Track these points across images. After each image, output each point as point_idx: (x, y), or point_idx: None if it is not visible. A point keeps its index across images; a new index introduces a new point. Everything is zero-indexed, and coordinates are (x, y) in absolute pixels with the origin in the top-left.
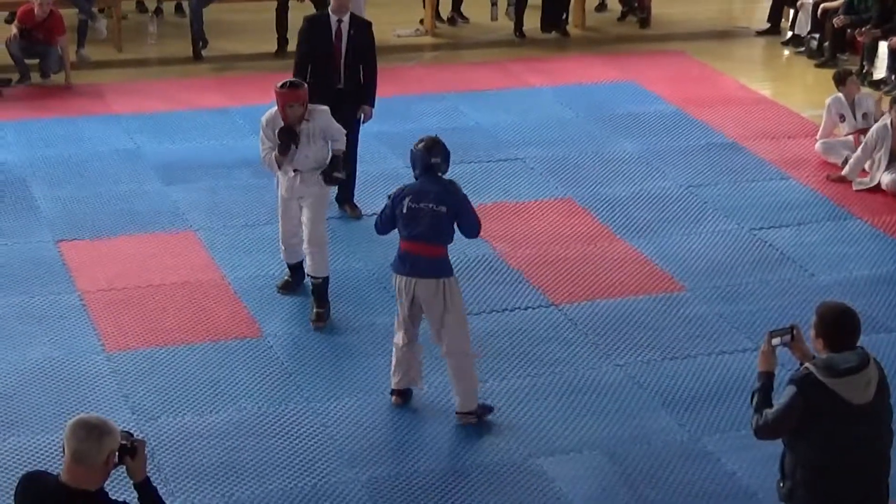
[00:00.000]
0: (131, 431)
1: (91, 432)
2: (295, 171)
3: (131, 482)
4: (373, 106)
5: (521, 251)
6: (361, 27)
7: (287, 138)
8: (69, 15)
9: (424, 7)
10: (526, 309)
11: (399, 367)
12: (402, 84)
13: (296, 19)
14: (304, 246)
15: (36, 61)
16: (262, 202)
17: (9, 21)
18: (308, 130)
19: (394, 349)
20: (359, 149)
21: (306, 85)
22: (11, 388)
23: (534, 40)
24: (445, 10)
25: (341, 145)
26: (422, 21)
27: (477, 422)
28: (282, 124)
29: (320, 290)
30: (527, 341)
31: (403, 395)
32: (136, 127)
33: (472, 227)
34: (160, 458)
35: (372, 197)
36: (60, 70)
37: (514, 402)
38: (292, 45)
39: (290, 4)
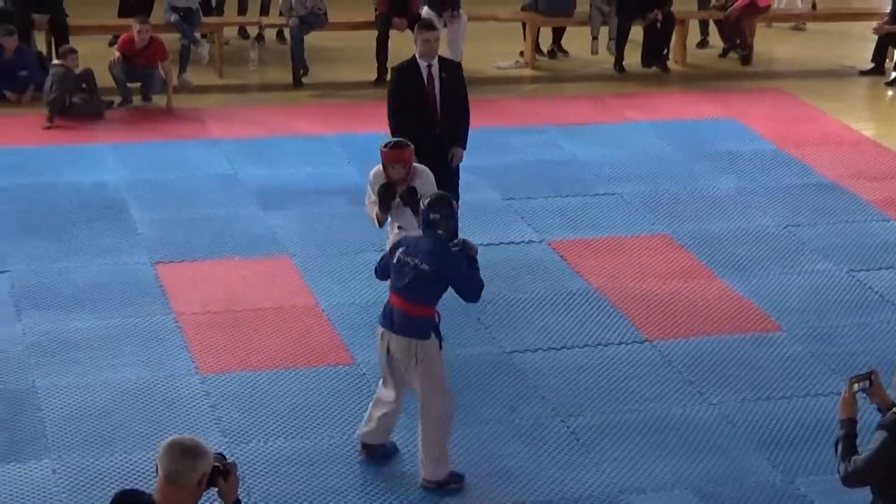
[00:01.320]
0: (223, 453)
1: (185, 453)
2: (399, 227)
3: None
4: (464, 148)
5: (616, 286)
6: (452, 69)
7: (386, 197)
8: (172, 39)
9: (525, 39)
10: (619, 344)
11: (371, 420)
12: (499, 116)
13: (395, 48)
14: None
15: (138, 84)
16: (357, 230)
17: (112, 44)
18: None
19: (373, 399)
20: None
21: (412, 147)
22: (106, 407)
23: (634, 75)
24: (546, 42)
25: None
26: (522, 53)
27: (440, 490)
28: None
29: None
30: (619, 376)
31: (370, 450)
32: (235, 152)
33: (468, 292)
34: (250, 482)
35: (462, 228)
36: (162, 93)
37: (606, 438)
38: None
39: (390, 33)
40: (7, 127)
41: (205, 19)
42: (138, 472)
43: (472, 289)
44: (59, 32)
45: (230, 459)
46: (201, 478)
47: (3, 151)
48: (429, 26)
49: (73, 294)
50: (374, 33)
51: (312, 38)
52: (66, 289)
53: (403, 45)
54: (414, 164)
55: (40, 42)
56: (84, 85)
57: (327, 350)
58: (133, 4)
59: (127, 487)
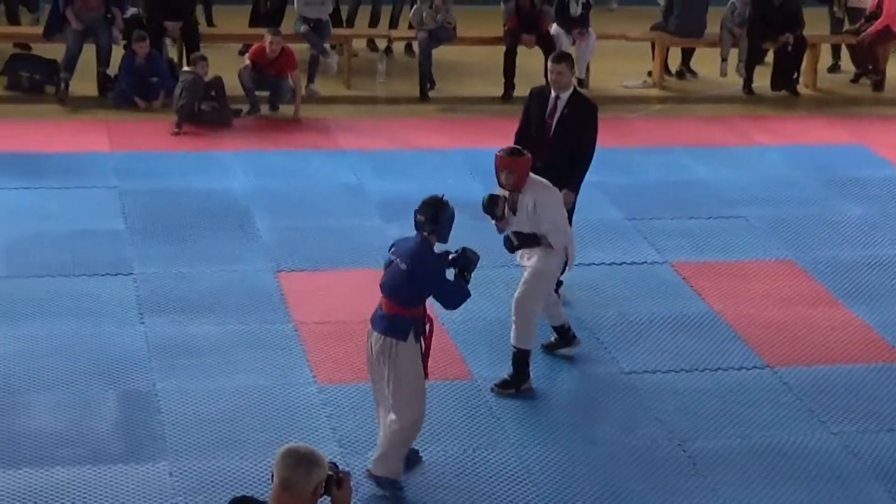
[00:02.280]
0: (336, 463)
1: (300, 461)
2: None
3: None
4: (575, 192)
5: (738, 311)
6: (581, 108)
7: (490, 204)
8: (301, 50)
9: (653, 59)
10: (739, 369)
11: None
12: (625, 136)
13: (523, 64)
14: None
15: (266, 93)
16: (478, 245)
17: (242, 52)
18: (522, 201)
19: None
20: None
21: (526, 156)
22: (224, 413)
23: (763, 98)
24: (675, 63)
25: (548, 240)
26: (650, 73)
27: (384, 489)
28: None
29: (515, 360)
30: (738, 402)
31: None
32: (360, 163)
33: (443, 300)
34: (363, 492)
35: (584, 247)
36: (290, 103)
37: (721, 463)
38: (519, 90)
39: (518, 50)
40: (136, 132)
41: (335, 31)
42: (254, 478)
43: (447, 296)
44: (191, 40)
45: (343, 468)
46: (316, 486)
47: (132, 156)
48: (557, 59)
49: (195, 299)
50: (503, 49)
51: (440, 52)
52: (189, 294)
53: (531, 61)
54: (531, 176)
55: (172, 49)
56: (213, 92)
57: (446, 364)
58: (264, 15)
59: (240, 495)
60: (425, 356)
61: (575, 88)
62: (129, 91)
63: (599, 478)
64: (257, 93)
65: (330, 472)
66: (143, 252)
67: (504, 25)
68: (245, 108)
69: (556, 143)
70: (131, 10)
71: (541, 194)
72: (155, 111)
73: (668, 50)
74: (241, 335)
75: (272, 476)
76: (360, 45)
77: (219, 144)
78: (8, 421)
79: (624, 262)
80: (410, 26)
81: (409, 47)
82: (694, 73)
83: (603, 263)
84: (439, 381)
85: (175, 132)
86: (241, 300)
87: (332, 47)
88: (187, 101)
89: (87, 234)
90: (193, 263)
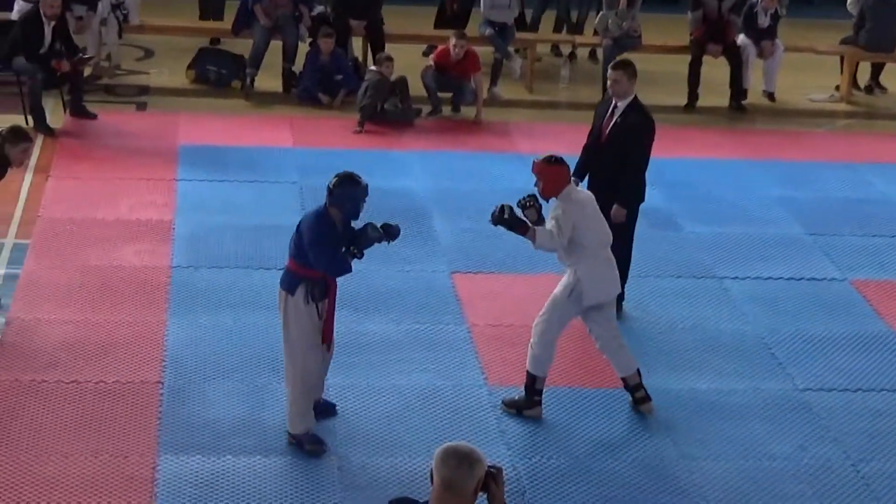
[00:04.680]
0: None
1: (462, 461)
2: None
3: None
4: (625, 208)
5: None
6: (634, 119)
7: (498, 217)
8: (485, 53)
9: (842, 73)
10: None
11: None
12: (810, 150)
13: (709, 74)
14: None
15: (449, 95)
16: (650, 252)
17: (426, 54)
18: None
19: None
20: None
21: (552, 164)
22: (394, 410)
23: None
24: (864, 77)
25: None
26: (837, 87)
27: (299, 447)
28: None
29: (526, 384)
30: None
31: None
32: None
33: (316, 263)
34: (531, 496)
35: (763, 261)
36: (472, 105)
37: None
38: (704, 101)
39: (704, 59)
40: (319, 129)
41: (519, 35)
42: (420, 477)
43: (319, 263)
44: (376, 39)
45: (496, 464)
46: (477, 484)
47: (314, 153)
48: (614, 66)
49: (370, 297)
50: (688, 58)
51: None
52: (365, 292)
53: (716, 71)
54: (570, 187)
55: (357, 48)
56: (396, 92)
57: (611, 371)
58: (450, 17)
59: (401, 496)
60: (327, 321)
61: (635, 98)
62: (314, 88)
63: (772, 494)
64: (440, 94)
65: (488, 469)
66: None
67: (690, 35)
68: (426, 108)
69: (609, 150)
70: (318, 8)
71: (564, 202)
72: (337, 108)
73: (857, 64)
74: (415, 334)
75: (431, 476)
76: (543, 49)
77: (400, 144)
78: (183, 408)
79: (803, 278)
80: (595, 32)
81: (592, 53)
82: (883, 89)
83: (781, 278)
84: (613, 388)
85: (357, 130)
86: (416, 300)
87: (516, 51)
88: (371, 101)
89: (268, 229)
90: (370, 262)
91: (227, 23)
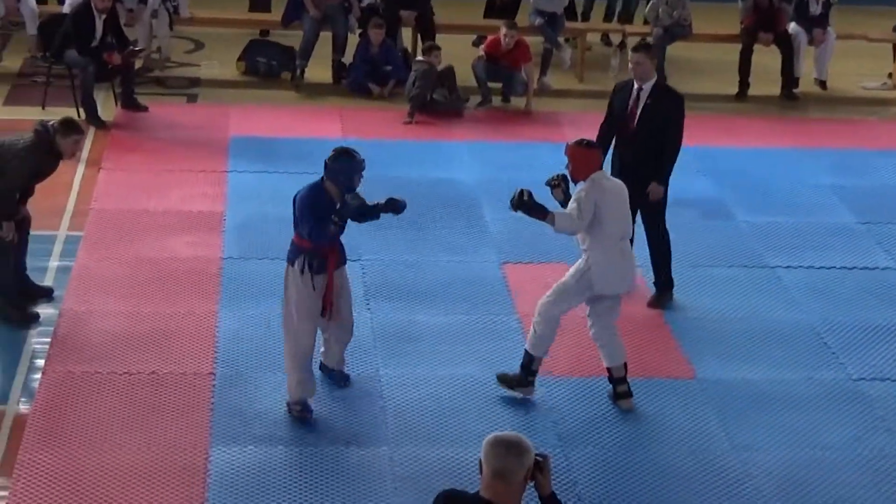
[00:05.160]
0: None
1: (510, 449)
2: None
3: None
4: (662, 185)
5: None
6: (665, 98)
7: (518, 201)
8: (535, 42)
9: (895, 61)
10: None
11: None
12: (862, 138)
13: (760, 62)
14: None
15: (499, 85)
16: (703, 243)
17: (476, 44)
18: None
19: None
20: (670, 235)
21: (592, 149)
22: (445, 401)
23: None
24: None
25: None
26: (890, 75)
27: (288, 412)
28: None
29: (522, 361)
30: None
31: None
32: None
33: (304, 232)
34: (581, 488)
35: (816, 249)
36: (522, 95)
37: None
38: (755, 89)
39: (755, 47)
40: (369, 120)
41: (569, 24)
42: (471, 468)
43: (303, 228)
44: (426, 30)
45: (538, 451)
46: (526, 473)
47: (364, 144)
48: (635, 48)
49: (421, 287)
50: (739, 46)
51: (674, 48)
52: (415, 282)
53: (768, 60)
54: (599, 172)
55: (406, 39)
56: (444, 82)
57: (668, 362)
58: (500, 7)
59: (450, 488)
60: (327, 294)
61: (658, 79)
62: (364, 79)
63: (827, 484)
64: (490, 84)
65: (536, 457)
66: (372, 239)
67: (741, 23)
68: (476, 98)
69: (641, 134)
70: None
71: (590, 184)
72: (386, 99)
73: None
74: (466, 325)
75: (480, 467)
76: (594, 38)
77: (450, 134)
78: (236, 398)
79: (855, 267)
80: (645, 21)
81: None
82: None
83: (834, 267)
84: (660, 378)
85: (407, 121)
86: (467, 290)
87: (566, 41)
88: (420, 91)
89: None
90: (421, 252)
91: (277, 14)
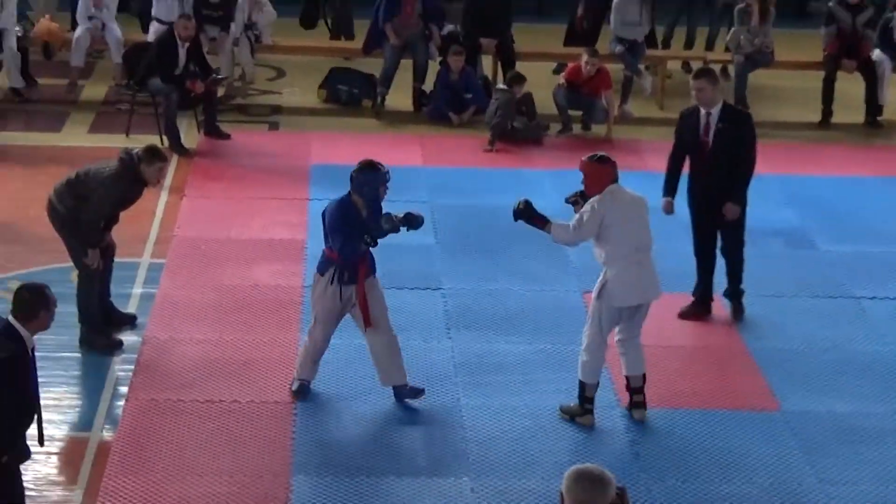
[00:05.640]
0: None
1: (595, 483)
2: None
3: None
4: (738, 204)
5: None
6: (736, 121)
7: (520, 211)
8: (615, 70)
9: None
10: None
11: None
12: None
13: (843, 90)
14: None
15: (579, 112)
16: (790, 273)
17: (556, 71)
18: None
19: None
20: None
21: (606, 165)
22: (527, 432)
23: None
24: None
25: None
26: None
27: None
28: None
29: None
30: None
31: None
32: None
33: (334, 246)
34: None
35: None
36: (603, 122)
37: None
38: (838, 117)
39: (838, 75)
40: (449, 147)
41: (649, 52)
42: (553, 499)
43: (333, 241)
44: (506, 57)
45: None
46: None
47: (444, 172)
48: (696, 75)
49: (502, 316)
50: (821, 74)
51: (756, 76)
52: (497, 311)
53: (851, 86)
54: (614, 185)
55: (487, 66)
56: (524, 109)
57: (752, 394)
58: (580, 34)
59: None
60: (363, 306)
61: (725, 101)
62: (444, 106)
63: None
64: (570, 112)
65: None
66: (453, 267)
67: (824, 50)
68: (556, 126)
69: (716, 158)
70: (448, 27)
71: (599, 199)
72: (466, 127)
73: None
74: (547, 354)
75: (561, 499)
76: (674, 66)
77: (530, 162)
78: (317, 428)
79: None
80: (727, 49)
81: (724, 70)
82: None
83: None
84: (745, 410)
85: (487, 149)
86: (548, 319)
87: (647, 68)
88: (502, 119)
89: (398, 248)
90: (502, 280)
91: (358, 42)
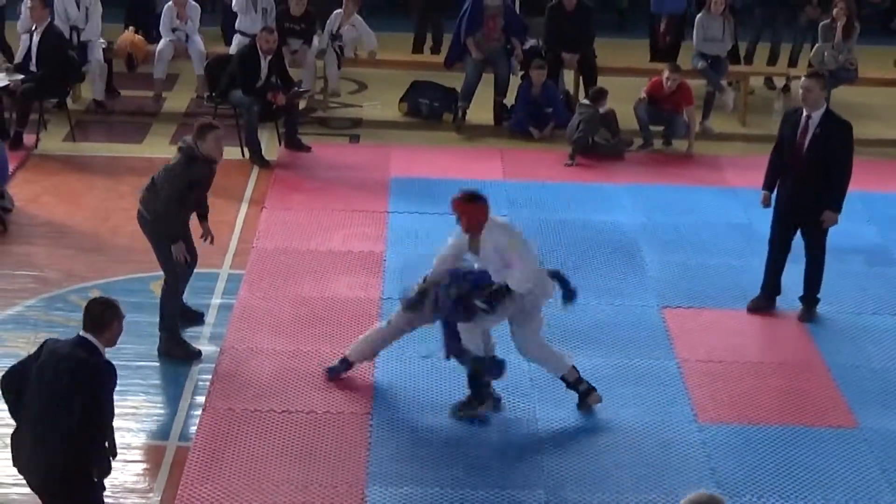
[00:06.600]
0: None
1: None
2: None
3: None
4: (836, 211)
5: None
6: (834, 127)
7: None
8: (698, 86)
9: None
10: None
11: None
12: None
13: None
14: None
15: (661, 128)
16: (871, 290)
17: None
18: (482, 243)
19: None
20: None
21: (480, 202)
22: (602, 445)
23: None
24: None
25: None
26: None
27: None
28: None
29: (566, 384)
30: None
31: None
32: (752, 202)
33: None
34: None
35: None
36: (684, 139)
37: None
38: None
39: None
40: (529, 162)
41: (732, 67)
42: None
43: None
44: (588, 72)
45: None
46: None
47: (524, 186)
48: (808, 76)
49: (581, 330)
50: None
51: (839, 92)
52: (574, 324)
53: None
54: (492, 218)
55: (569, 81)
56: (607, 124)
57: (830, 411)
58: (663, 49)
59: None
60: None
61: (828, 107)
62: (525, 120)
63: None
64: (651, 127)
65: None
66: None
67: None
68: (637, 141)
69: (810, 161)
70: (530, 42)
71: (498, 237)
72: (547, 141)
73: None
74: (624, 369)
75: None
76: (757, 82)
77: (610, 177)
78: (391, 439)
79: None
80: (810, 65)
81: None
82: None
83: None
84: (822, 427)
85: (568, 163)
86: (626, 334)
87: (729, 84)
88: (584, 135)
89: None
90: (581, 294)
91: (440, 56)
